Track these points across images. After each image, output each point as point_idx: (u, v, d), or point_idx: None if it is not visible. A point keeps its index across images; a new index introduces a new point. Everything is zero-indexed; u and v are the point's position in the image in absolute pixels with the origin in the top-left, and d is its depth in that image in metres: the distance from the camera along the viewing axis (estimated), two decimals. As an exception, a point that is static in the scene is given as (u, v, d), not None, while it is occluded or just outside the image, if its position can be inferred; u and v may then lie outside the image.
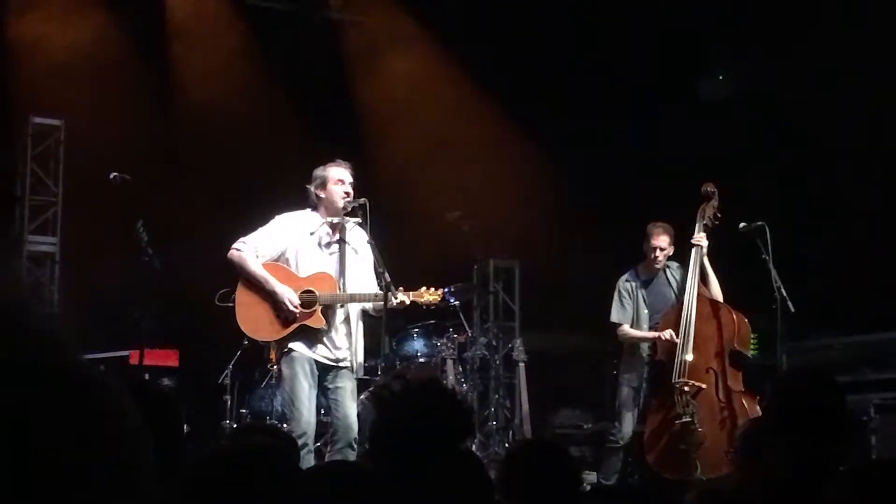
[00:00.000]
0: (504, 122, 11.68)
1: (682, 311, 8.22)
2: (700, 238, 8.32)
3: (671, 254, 8.63)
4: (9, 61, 10.68)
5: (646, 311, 8.61)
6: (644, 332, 8.54)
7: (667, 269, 8.68)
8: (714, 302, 8.33)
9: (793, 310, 7.75)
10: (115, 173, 7.53)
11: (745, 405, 7.96)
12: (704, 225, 8.38)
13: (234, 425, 9.10)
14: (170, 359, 9.56)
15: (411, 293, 7.01)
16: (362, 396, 9.05)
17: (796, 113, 10.71)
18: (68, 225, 10.63)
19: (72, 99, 10.55)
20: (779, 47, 10.91)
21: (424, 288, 7.08)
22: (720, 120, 11.55)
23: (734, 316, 8.25)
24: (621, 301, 8.66)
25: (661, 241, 8.55)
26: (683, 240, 8.51)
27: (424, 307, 7.21)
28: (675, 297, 8.54)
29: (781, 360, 8.12)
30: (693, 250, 8.32)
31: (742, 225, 8.10)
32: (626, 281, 8.72)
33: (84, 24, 10.94)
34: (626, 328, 8.61)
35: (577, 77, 11.54)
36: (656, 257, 8.58)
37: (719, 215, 8.39)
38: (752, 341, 10.39)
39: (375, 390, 7.92)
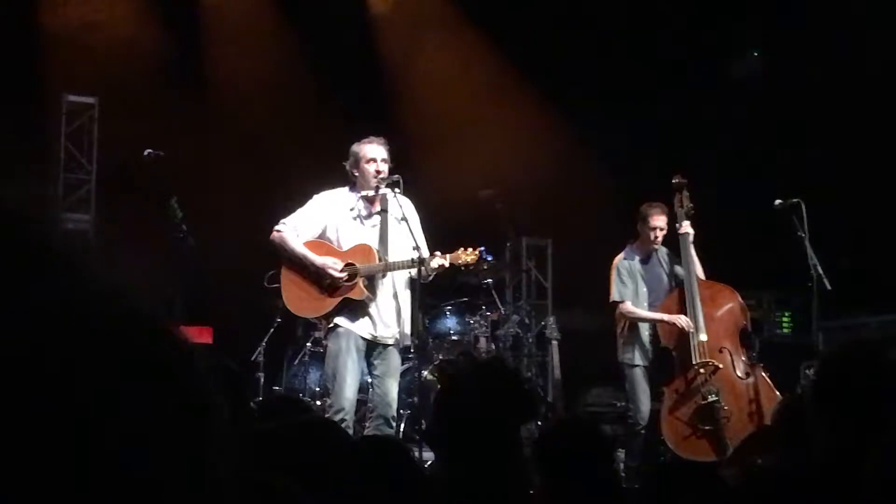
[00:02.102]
0: (538, 102, 11.63)
1: (682, 297, 8.33)
2: (686, 226, 8.47)
3: (666, 233, 8.63)
4: (43, 39, 10.72)
5: (644, 289, 8.60)
6: (650, 313, 8.51)
7: (658, 251, 8.68)
8: (714, 284, 8.48)
9: (829, 287, 7.71)
10: (149, 150, 7.56)
11: (764, 378, 8.10)
12: (685, 214, 8.52)
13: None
14: (203, 336, 9.60)
15: (448, 255, 7.01)
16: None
17: (824, 91, 10.62)
18: (102, 202, 10.67)
19: (105, 77, 10.57)
20: (811, 24, 10.82)
21: (462, 249, 7.07)
22: (750, 97, 11.50)
23: (736, 295, 8.42)
24: (621, 279, 8.63)
25: (660, 222, 8.54)
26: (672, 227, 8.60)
27: (462, 268, 7.20)
28: (667, 279, 8.61)
29: (817, 339, 8.10)
30: (681, 238, 8.46)
31: (777, 202, 8.11)
32: (624, 259, 8.70)
33: (118, 2, 10.96)
34: (630, 305, 8.57)
35: (613, 58, 11.48)
36: (656, 237, 8.57)
37: (692, 205, 8.56)
38: (786, 318, 10.39)
39: (441, 366, 7.96)
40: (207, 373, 0.77)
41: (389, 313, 7.10)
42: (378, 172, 7.08)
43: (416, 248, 6.89)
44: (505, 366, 3.21)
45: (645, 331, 8.53)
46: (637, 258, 8.65)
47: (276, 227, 7.19)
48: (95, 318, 0.73)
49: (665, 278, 8.64)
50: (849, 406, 2.56)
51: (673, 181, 8.66)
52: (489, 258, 7.42)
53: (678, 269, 8.49)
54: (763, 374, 8.12)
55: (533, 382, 10.26)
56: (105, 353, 0.72)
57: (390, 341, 7.09)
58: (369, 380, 7.36)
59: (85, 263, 0.76)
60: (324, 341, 7.50)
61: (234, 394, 3.05)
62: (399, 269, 7.06)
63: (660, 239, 8.58)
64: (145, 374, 0.73)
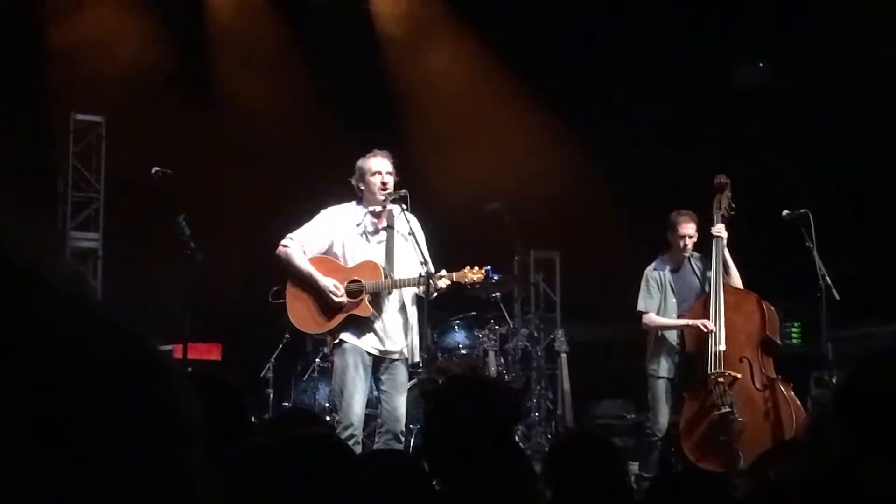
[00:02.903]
0: (546, 113, 11.63)
1: (708, 302, 8.26)
2: (720, 229, 8.39)
3: (696, 240, 8.59)
4: (50, 58, 10.76)
5: (674, 299, 8.56)
6: (674, 320, 8.48)
7: (690, 259, 8.65)
8: (740, 291, 8.38)
9: (838, 297, 7.70)
10: (157, 168, 7.58)
11: (784, 391, 8.02)
12: (721, 216, 8.44)
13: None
14: (212, 353, 9.62)
15: (454, 274, 7.02)
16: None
17: (831, 99, 10.62)
18: (111, 221, 10.68)
19: (112, 95, 10.61)
20: (816, 33, 10.82)
21: (468, 268, 7.09)
22: (757, 108, 11.49)
23: (763, 304, 8.31)
24: (648, 290, 8.61)
25: (689, 229, 8.51)
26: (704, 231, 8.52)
27: (469, 286, 7.22)
28: (700, 286, 8.54)
29: (826, 349, 8.07)
30: (714, 241, 8.38)
31: (785, 213, 8.09)
32: (655, 270, 8.68)
33: (124, 21, 11.00)
34: (654, 316, 8.55)
35: (620, 67, 11.49)
36: (686, 246, 8.54)
37: (733, 206, 8.43)
38: (795, 328, 10.35)
39: (420, 387, 7.98)
40: (180, 375, 0.80)
41: (396, 328, 7.10)
42: (384, 185, 7.09)
43: (424, 262, 6.90)
44: (481, 375, 3.29)
45: (672, 341, 8.51)
46: (667, 268, 8.63)
47: (283, 242, 7.19)
48: (92, 324, 0.77)
49: (698, 286, 8.56)
50: (868, 416, 2.55)
51: (715, 181, 8.56)
52: (495, 278, 7.43)
53: (711, 275, 8.44)
54: (783, 386, 8.04)
55: (542, 395, 10.24)
56: (103, 356, 0.76)
57: (397, 356, 7.09)
58: (377, 395, 7.36)
59: (80, 279, 0.79)
60: (330, 357, 7.51)
61: (232, 407, 3.05)
62: (405, 286, 7.07)
63: (689, 247, 8.55)
64: (143, 376, 0.77)
